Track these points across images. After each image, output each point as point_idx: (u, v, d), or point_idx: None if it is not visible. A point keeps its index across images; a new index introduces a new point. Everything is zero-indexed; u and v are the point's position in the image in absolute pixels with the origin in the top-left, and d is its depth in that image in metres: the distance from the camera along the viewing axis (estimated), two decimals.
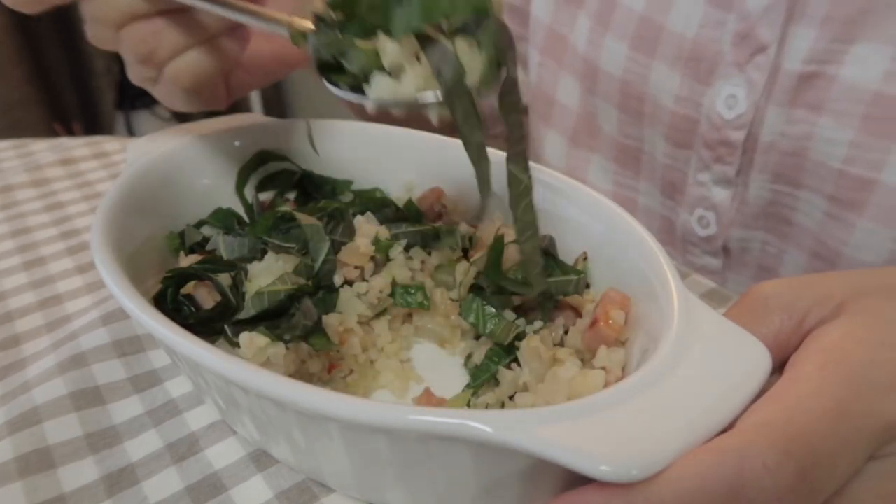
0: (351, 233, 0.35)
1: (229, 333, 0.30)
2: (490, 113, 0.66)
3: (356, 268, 0.34)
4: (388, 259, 0.36)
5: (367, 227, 0.36)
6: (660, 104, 0.48)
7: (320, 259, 0.33)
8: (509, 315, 0.33)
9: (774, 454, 0.19)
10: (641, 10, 0.47)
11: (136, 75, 0.36)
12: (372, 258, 0.35)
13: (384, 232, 0.36)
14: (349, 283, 0.34)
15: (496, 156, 0.39)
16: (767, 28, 0.41)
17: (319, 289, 0.33)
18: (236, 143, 0.41)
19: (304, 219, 0.34)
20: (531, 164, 0.38)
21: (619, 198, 0.55)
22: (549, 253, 0.35)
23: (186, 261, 0.34)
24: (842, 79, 0.39)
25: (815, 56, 0.39)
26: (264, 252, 0.34)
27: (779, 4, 0.40)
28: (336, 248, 0.34)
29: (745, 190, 0.46)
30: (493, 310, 0.33)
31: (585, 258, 0.34)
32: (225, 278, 0.33)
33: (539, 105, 0.60)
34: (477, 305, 0.33)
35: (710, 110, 0.45)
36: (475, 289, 0.34)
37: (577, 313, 0.33)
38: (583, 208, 0.34)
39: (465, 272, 0.34)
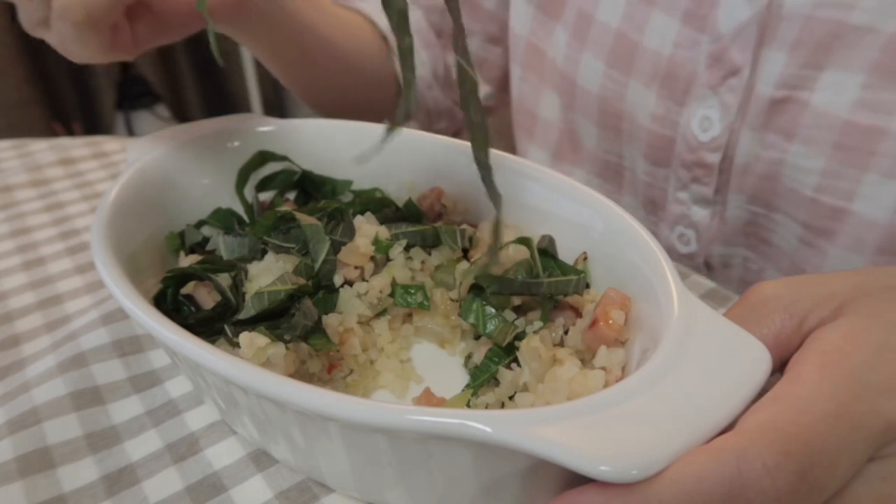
0: (351, 233, 0.35)
1: (229, 333, 0.30)
2: (433, 107, 0.66)
3: (356, 268, 0.34)
4: (388, 259, 0.36)
5: (367, 227, 0.36)
6: (637, 122, 0.48)
7: (320, 259, 0.33)
8: (509, 315, 0.33)
9: (774, 455, 0.19)
10: (617, 27, 0.47)
11: (26, 17, 0.33)
12: (372, 258, 0.35)
13: (384, 232, 0.36)
14: (349, 283, 0.34)
15: (493, 154, 0.39)
16: (739, 51, 0.41)
17: (319, 289, 0.33)
18: (236, 144, 0.41)
19: (304, 219, 0.34)
20: (532, 164, 0.38)
21: None
22: (549, 253, 0.35)
23: (186, 261, 0.34)
24: (813, 105, 0.39)
25: (786, 81, 0.39)
26: (264, 252, 0.34)
27: (750, 27, 0.40)
28: (336, 248, 0.34)
29: (723, 209, 0.46)
30: (493, 310, 0.33)
31: (585, 258, 0.34)
32: (225, 278, 0.32)
33: (522, 119, 0.60)
34: (477, 306, 0.33)
35: (686, 131, 0.45)
36: (475, 289, 0.34)
37: (577, 313, 0.33)
38: (583, 208, 0.34)
39: (464, 272, 0.34)
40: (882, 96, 0.36)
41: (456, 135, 0.69)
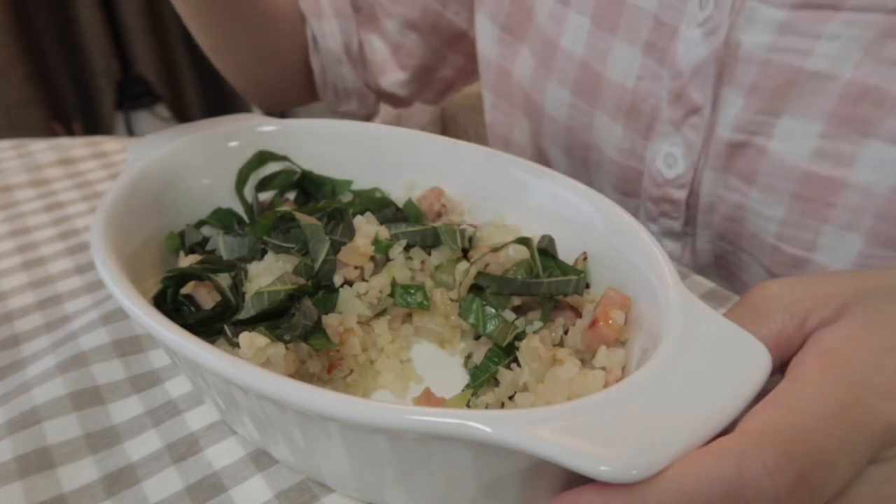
0: (351, 233, 0.35)
1: (229, 333, 0.30)
2: (341, 85, 0.64)
3: (356, 268, 0.34)
4: (387, 259, 0.36)
5: (366, 227, 0.36)
6: (605, 154, 0.47)
7: (320, 259, 0.33)
8: (509, 315, 0.33)
9: (774, 456, 0.19)
10: (581, 56, 0.46)
11: None
12: (372, 258, 0.35)
13: (384, 232, 0.36)
14: (349, 283, 0.34)
15: (492, 154, 0.39)
16: (698, 89, 0.40)
17: (319, 289, 0.33)
18: (236, 144, 0.41)
19: (304, 219, 0.34)
20: (531, 163, 0.38)
21: None
22: (548, 253, 0.35)
23: (186, 261, 0.34)
24: (771, 153, 0.38)
25: (744, 125, 0.39)
26: (264, 252, 0.34)
27: (707, 67, 0.39)
28: (336, 248, 0.34)
29: (693, 242, 0.45)
30: (493, 310, 0.33)
31: (585, 258, 0.34)
32: (225, 278, 0.32)
33: (495, 144, 0.60)
34: (476, 306, 0.33)
35: (652, 166, 0.44)
36: (475, 289, 0.34)
37: (577, 313, 0.33)
38: (583, 208, 0.34)
39: (464, 272, 0.34)
40: (841, 146, 0.35)
41: (368, 119, 0.67)
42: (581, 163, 0.50)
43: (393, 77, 0.62)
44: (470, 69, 0.64)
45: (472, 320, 0.33)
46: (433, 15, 0.59)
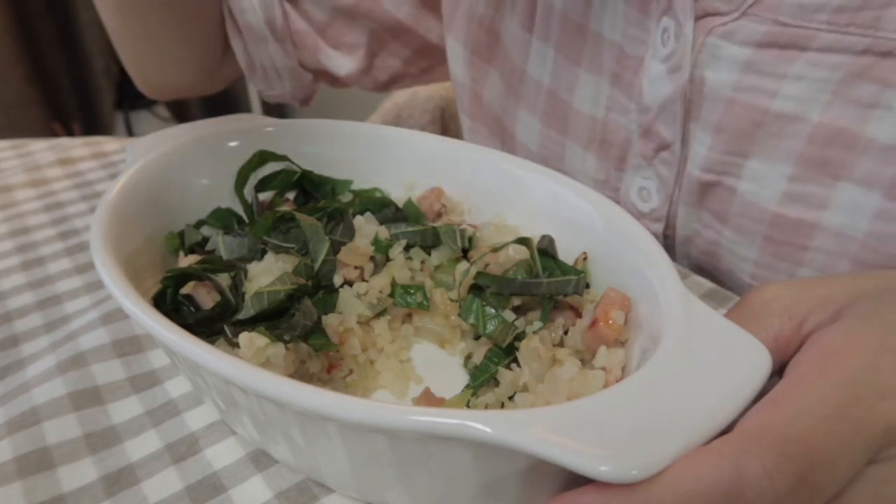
0: (351, 233, 0.35)
1: (229, 334, 0.30)
2: (269, 65, 0.56)
3: (356, 268, 0.34)
4: (387, 259, 0.36)
5: (366, 227, 0.36)
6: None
7: (320, 259, 0.33)
8: (509, 315, 0.33)
9: (774, 457, 0.19)
10: (548, 85, 0.45)
11: None
12: (372, 258, 0.35)
13: (384, 232, 0.36)
14: (349, 283, 0.34)
15: (491, 154, 0.39)
16: (667, 126, 0.39)
17: (319, 289, 0.33)
18: (235, 144, 0.41)
19: (304, 219, 0.34)
20: (531, 163, 0.38)
21: None
22: (548, 253, 0.35)
23: (186, 261, 0.34)
24: (741, 193, 0.37)
25: (712, 165, 0.38)
26: (264, 252, 0.34)
27: (673, 104, 0.38)
28: (336, 248, 0.34)
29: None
30: (493, 310, 0.33)
31: (585, 258, 0.34)
32: (224, 278, 0.32)
33: None
34: (476, 306, 0.33)
35: (626, 199, 0.44)
36: (475, 289, 0.34)
37: (577, 313, 0.33)
38: (583, 208, 0.34)
39: (464, 273, 0.34)
40: (810, 189, 0.35)
41: (305, 101, 0.62)
42: None
43: (326, 58, 0.58)
44: (423, 66, 0.60)
45: (472, 320, 0.33)
46: (367, 4, 0.55)
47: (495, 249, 0.34)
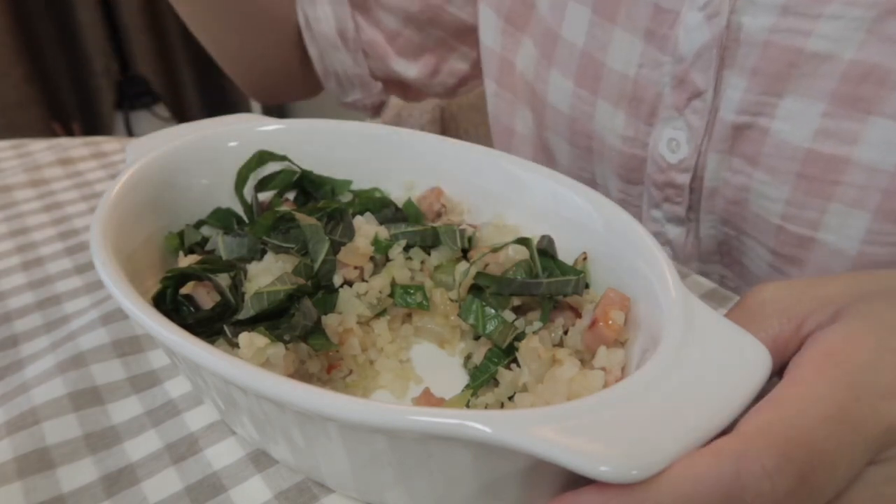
0: (350, 233, 0.35)
1: (228, 334, 0.30)
2: (342, 72, 0.62)
3: (355, 268, 0.34)
4: (387, 259, 0.36)
5: (366, 228, 0.36)
6: (607, 143, 0.48)
7: (319, 259, 0.33)
8: (509, 316, 0.33)
9: (774, 457, 0.19)
10: (582, 46, 0.47)
11: None
12: (371, 258, 0.35)
13: (384, 232, 0.36)
14: (349, 283, 0.34)
15: (491, 154, 0.39)
16: (701, 73, 0.40)
17: (319, 289, 0.33)
18: (235, 143, 0.41)
19: (304, 219, 0.34)
20: (531, 163, 0.38)
21: None
22: (548, 253, 0.35)
23: (185, 261, 0.34)
24: (774, 133, 0.38)
25: (746, 107, 0.39)
26: (264, 252, 0.34)
27: (709, 51, 0.39)
28: (335, 248, 0.34)
29: (697, 227, 0.45)
30: (493, 311, 0.33)
31: (585, 258, 0.34)
32: (224, 278, 0.32)
33: (499, 135, 0.59)
34: (476, 306, 0.33)
35: (655, 152, 0.44)
36: (474, 289, 0.34)
37: (577, 314, 0.33)
38: (583, 208, 0.34)
39: (464, 273, 0.34)
40: (844, 125, 0.36)
41: (377, 111, 0.66)
42: (584, 152, 0.50)
43: (395, 65, 0.61)
44: None
45: (471, 321, 0.33)
46: (434, 10, 0.58)
47: (495, 250, 0.34)
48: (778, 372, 0.24)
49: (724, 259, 0.46)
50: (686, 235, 0.46)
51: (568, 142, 0.51)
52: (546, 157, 0.55)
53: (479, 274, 0.34)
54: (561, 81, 0.49)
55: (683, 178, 0.43)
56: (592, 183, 0.52)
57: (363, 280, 0.34)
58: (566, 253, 0.35)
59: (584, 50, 0.46)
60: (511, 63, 0.54)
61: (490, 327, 0.32)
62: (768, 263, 0.42)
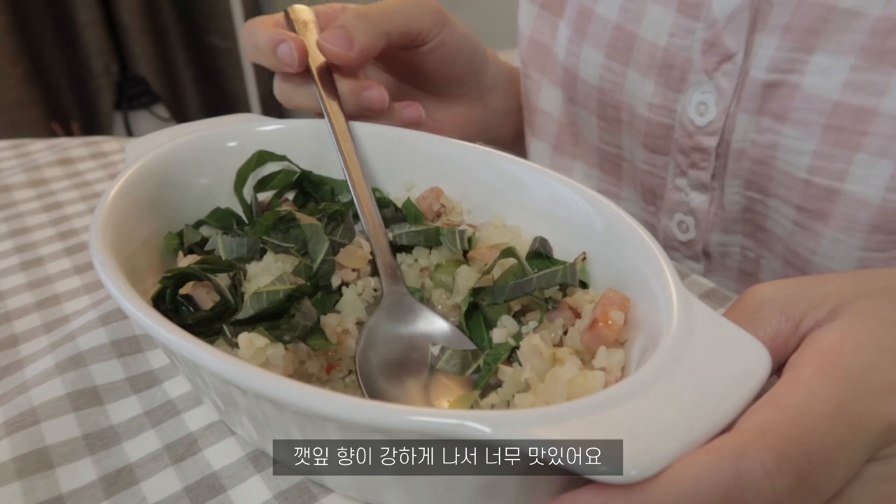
0: (350, 234, 0.35)
1: (228, 334, 0.30)
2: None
3: (353, 270, 0.34)
4: None
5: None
6: (635, 112, 0.49)
7: (319, 259, 0.33)
8: (511, 324, 0.32)
9: (773, 456, 0.19)
10: (615, 20, 0.48)
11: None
12: (370, 261, 0.35)
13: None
14: (345, 285, 0.34)
15: (491, 154, 0.39)
16: (733, 36, 0.41)
17: (318, 289, 0.33)
18: (235, 143, 0.41)
19: (304, 219, 0.34)
20: (530, 163, 0.38)
21: None
22: (542, 254, 0.35)
23: (185, 261, 0.34)
24: (804, 88, 0.39)
25: (777, 65, 0.40)
26: (263, 252, 0.34)
27: (742, 13, 0.41)
28: (335, 249, 0.34)
29: (721, 194, 0.46)
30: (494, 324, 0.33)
31: (585, 258, 0.34)
32: (224, 278, 0.32)
33: (523, 112, 0.61)
34: (475, 324, 0.33)
35: (683, 117, 0.46)
36: (472, 307, 0.34)
37: (577, 314, 0.32)
38: (582, 208, 0.34)
39: (465, 278, 0.34)
40: (871, 77, 0.37)
41: None
42: (612, 123, 0.51)
43: None
44: None
45: (476, 338, 0.33)
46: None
47: (485, 272, 0.34)
48: (777, 370, 0.24)
49: (745, 227, 0.47)
50: (710, 203, 0.47)
51: (596, 115, 0.52)
52: (571, 134, 0.56)
53: (473, 291, 0.34)
54: (592, 54, 0.50)
55: (711, 142, 0.44)
56: (619, 157, 0.53)
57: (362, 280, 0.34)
58: (566, 253, 0.35)
59: (617, 23, 0.48)
60: (540, 44, 0.56)
61: (494, 342, 0.32)
62: (793, 221, 0.43)
